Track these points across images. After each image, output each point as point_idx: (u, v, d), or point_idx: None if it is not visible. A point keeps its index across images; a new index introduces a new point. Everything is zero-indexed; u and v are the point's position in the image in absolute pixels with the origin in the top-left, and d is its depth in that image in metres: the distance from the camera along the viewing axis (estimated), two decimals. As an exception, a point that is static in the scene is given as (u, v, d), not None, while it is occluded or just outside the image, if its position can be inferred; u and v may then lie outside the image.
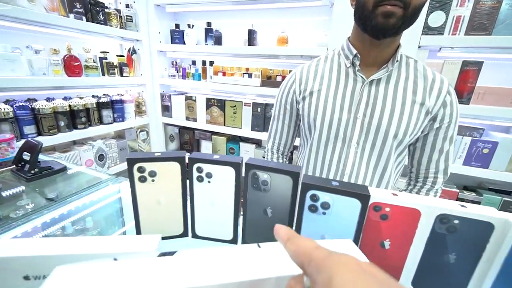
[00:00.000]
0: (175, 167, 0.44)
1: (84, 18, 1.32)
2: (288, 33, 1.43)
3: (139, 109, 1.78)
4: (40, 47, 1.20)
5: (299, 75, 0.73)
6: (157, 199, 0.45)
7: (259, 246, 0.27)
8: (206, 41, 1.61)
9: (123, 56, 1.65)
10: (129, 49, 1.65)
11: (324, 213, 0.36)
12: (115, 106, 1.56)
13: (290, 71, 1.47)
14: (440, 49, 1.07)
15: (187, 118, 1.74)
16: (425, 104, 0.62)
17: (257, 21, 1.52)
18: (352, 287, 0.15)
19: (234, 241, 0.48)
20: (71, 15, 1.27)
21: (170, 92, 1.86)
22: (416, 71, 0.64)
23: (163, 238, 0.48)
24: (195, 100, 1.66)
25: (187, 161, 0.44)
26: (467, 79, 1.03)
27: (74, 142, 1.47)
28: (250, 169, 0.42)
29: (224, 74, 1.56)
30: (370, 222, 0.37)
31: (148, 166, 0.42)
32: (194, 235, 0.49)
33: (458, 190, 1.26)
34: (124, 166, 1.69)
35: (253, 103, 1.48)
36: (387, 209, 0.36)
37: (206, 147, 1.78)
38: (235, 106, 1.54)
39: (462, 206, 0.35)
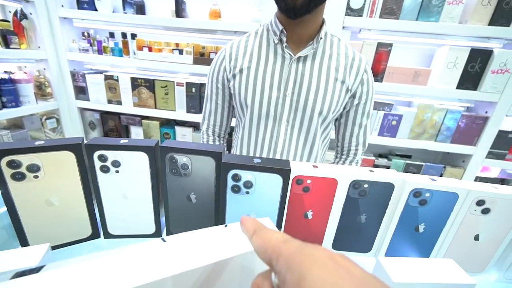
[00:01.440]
0: (68, 157, 0.35)
1: None
2: (221, 6, 1.33)
3: (42, 91, 1.44)
4: None
5: (228, 51, 0.69)
6: (46, 199, 0.35)
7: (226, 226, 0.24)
8: (124, 9, 1.37)
9: (8, 21, 1.27)
10: (15, 12, 1.28)
11: (247, 193, 0.35)
12: (3, 88, 1.21)
13: (224, 48, 1.40)
14: (360, 30, 1.17)
15: (110, 101, 1.50)
16: (345, 82, 0.65)
17: (184, -11, 1.36)
18: None
19: (157, 234, 0.43)
20: None
21: (84, 70, 1.56)
22: (339, 49, 0.66)
23: (68, 244, 0.40)
24: (117, 80, 1.43)
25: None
26: (381, 60, 1.17)
27: None
28: (166, 153, 0.36)
29: (150, 49, 1.38)
30: (294, 196, 0.38)
31: (26, 160, 0.33)
32: (107, 235, 0.41)
33: (374, 158, 1.47)
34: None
35: (186, 82, 1.36)
36: (309, 181, 0.37)
37: (136, 134, 1.59)
38: (166, 86, 1.40)
39: (370, 171, 0.38)
